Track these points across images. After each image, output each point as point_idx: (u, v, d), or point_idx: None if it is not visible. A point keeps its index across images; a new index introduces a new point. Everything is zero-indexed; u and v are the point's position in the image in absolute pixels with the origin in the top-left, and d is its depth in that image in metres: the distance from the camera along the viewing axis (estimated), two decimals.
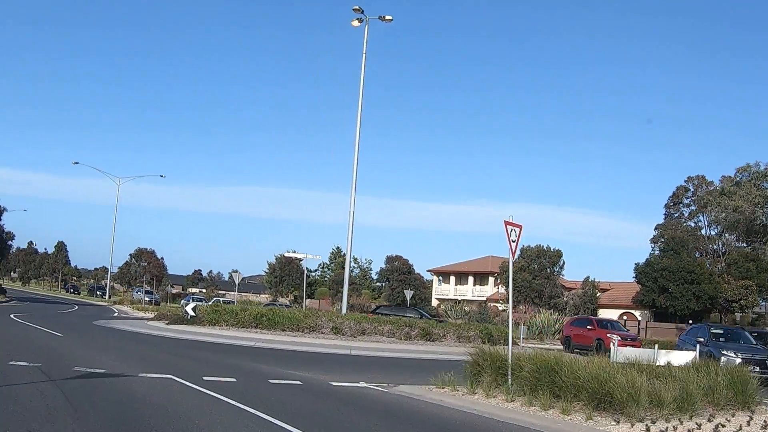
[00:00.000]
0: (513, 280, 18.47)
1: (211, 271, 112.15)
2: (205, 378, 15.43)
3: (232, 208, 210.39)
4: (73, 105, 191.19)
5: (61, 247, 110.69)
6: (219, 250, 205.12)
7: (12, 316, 36.73)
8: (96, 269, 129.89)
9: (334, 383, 16.60)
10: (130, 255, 76.17)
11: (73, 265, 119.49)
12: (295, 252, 58.11)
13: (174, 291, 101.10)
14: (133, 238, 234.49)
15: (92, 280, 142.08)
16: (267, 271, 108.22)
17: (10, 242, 64.83)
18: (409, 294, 66.68)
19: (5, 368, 14.90)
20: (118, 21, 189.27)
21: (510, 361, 15.17)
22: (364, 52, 38.48)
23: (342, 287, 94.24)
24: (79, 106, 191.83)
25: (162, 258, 78.61)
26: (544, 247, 69.09)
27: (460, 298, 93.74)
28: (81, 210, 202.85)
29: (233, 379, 15.75)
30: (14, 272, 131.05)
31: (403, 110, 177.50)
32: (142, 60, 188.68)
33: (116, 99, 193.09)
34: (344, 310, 37.11)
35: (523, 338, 42.19)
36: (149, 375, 15.46)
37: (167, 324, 36.42)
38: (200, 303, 46.00)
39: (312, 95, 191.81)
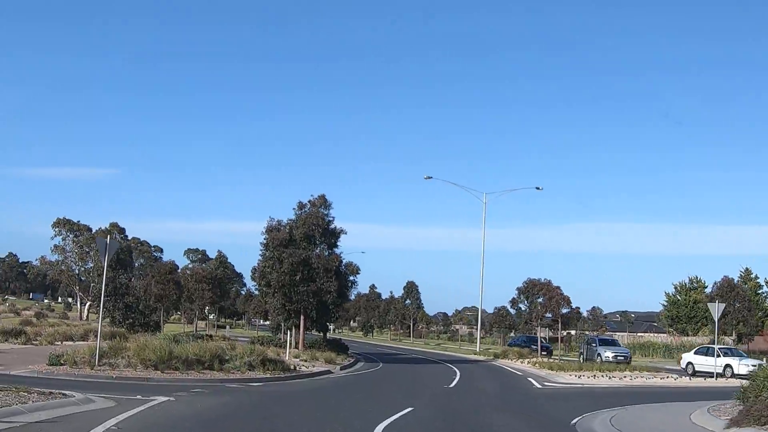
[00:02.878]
0: None
1: (594, 308, 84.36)
2: None
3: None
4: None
5: (411, 288, 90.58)
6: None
7: None
8: (457, 311, 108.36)
9: None
10: (518, 290, 51.31)
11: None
12: None
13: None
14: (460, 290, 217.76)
15: (440, 326, 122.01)
16: (665, 303, 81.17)
17: (352, 278, 42.16)
18: None
19: None
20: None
21: None
22: None
23: None
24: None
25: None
26: None
27: None
28: (427, 255, 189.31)
29: None
30: (354, 321, 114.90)
31: None
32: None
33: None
34: None
35: None
36: None
37: None
38: None
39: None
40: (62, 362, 21.22)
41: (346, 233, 41.96)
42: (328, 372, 30.98)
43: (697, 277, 78.85)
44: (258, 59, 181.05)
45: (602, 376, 34.63)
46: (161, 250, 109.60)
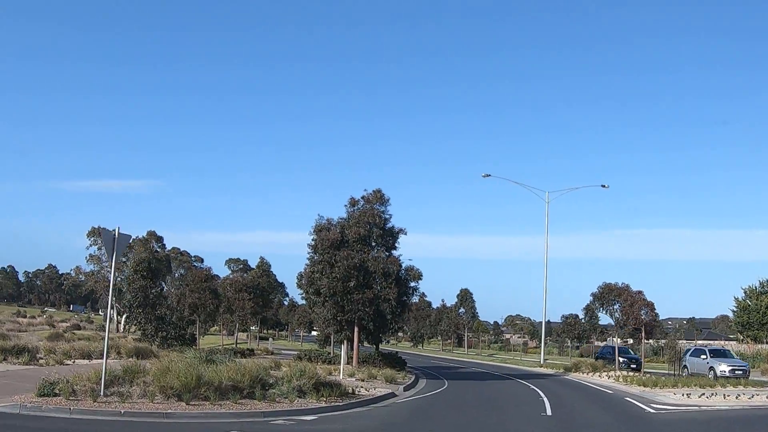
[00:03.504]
0: None
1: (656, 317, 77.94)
2: None
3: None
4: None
5: (465, 296, 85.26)
6: None
7: None
8: (512, 317, 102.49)
9: None
10: (592, 295, 45.76)
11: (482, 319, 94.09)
12: None
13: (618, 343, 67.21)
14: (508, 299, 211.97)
15: (491, 335, 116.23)
16: (735, 308, 75.15)
17: (414, 284, 36.90)
18: None
19: None
20: None
21: None
22: None
23: None
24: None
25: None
26: None
27: None
28: (474, 263, 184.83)
29: None
30: (401, 332, 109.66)
31: None
32: None
33: None
34: None
35: None
36: None
37: None
38: None
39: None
40: (57, 392, 16.21)
41: (406, 233, 36.75)
42: (392, 395, 25.80)
43: None
44: (298, 60, 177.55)
45: (714, 394, 28.99)
46: (201, 260, 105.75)
